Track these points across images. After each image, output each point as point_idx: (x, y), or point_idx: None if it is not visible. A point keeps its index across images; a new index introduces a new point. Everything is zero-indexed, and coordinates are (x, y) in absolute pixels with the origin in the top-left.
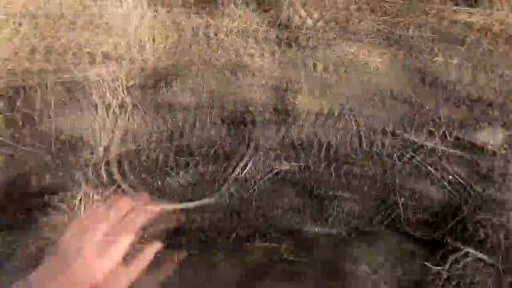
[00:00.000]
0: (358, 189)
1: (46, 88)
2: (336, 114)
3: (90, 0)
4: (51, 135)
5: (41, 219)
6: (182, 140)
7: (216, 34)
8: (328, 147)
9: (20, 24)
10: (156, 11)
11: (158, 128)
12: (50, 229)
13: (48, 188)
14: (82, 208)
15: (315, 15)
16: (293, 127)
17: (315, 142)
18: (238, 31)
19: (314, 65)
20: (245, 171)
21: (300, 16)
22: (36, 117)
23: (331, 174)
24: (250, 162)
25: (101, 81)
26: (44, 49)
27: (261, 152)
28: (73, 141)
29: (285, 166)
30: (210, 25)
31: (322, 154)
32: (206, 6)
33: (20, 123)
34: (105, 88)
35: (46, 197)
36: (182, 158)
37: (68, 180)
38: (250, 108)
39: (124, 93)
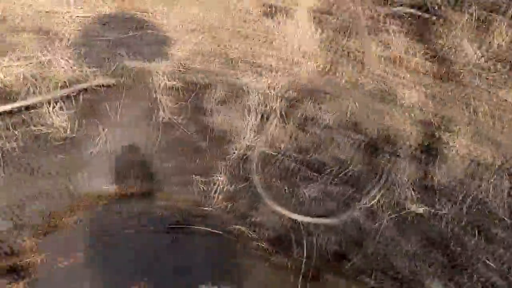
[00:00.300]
0: (502, 258)
1: (215, 88)
2: (495, 166)
3: (268, 18)
4: (209, 126)
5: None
6: (317, 155)
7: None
8: (475, 201)
9: (203, 33)
10: (316, 32)
11: (297, 140)
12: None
13: (200, 169)
14: (215, 193)
15: (482, 53)
16: (437, 169)
17: (460, 191)
18: (390, 59)
19: (476, 106)
20: (373, 201)
21: (465, 52)
22: (202, 109)
23: (473, 234)
24: (381, 195)
25: (259, 88)
26: (220, 55)
27: (394, 187)
28: (224, 135)
29: (419, 209)
30: (362, 50)
31: (465, 208)
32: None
33: (190, 111)
34: (261, 96)
35: (196, 177)
36: (314, 173)
37: (213, 166)
38: (393, 139)
39: (275, 103)
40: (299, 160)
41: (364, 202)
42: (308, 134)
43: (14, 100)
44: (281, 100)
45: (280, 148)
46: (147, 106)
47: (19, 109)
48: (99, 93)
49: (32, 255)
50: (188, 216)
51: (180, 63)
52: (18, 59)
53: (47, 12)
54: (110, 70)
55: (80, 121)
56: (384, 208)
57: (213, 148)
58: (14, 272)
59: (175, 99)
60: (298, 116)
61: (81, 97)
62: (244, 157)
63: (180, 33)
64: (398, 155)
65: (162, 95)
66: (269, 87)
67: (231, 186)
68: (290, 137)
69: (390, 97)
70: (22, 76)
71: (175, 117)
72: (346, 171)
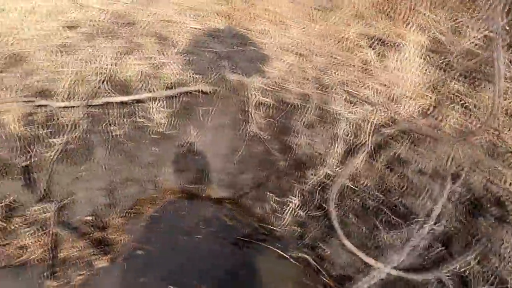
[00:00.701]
0: None
1: (305, 110)
2: None
3: (370, 50)
4: (292, 147)
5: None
6: (404, 200)
7: (475, 106)
8: None
9: (300, 55)
10: (423, 70)
11: (384, 179)
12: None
13: (275, 188)
14: (286, 215)
15: None
16: None
17: None
18: (507, 111)
19: None
20: (466, 268)
21: None
22: (289, 129)
23: None
24: (476, 262)
25: (351, 118)
26: (314, 80)
27: (495, 258)
28: (305, 159)
29: None
30: (470, 94)
31: None
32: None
33: (276, 129)
34: (352, 126)
35: (270, 194)
36: (397, 219)
37: (289, 188)
38: (503, 203)
39: (367, 136)
40: (383, 201)
41: (455, 265)
42: (397, 175)
43: (130, 94)
44: (374, 135)
45: (363, 184)
46: (237, 117)
47: (132, 102)
48: (197, 98)
49: (118, 234)
50: (256, 232)
51: (275, 82)
52: (140, 59)
53: (167, 21)
54: (211, 78)
55: (176, 120)
56: (479, 279)
57: (292, 169)
58: (104, 245)
59: (264, 115)
60: (390, 154)
61: (181, 99)
62: (323, 185)
63: (278, 53)
64: (507, 222)
65: (253, 109)
66: (363, 119)
67: (303, 211)
68: (377, 175)
69: (503, 155)
70: (140, 74)
71: (262, 132)
72: (437, 225)
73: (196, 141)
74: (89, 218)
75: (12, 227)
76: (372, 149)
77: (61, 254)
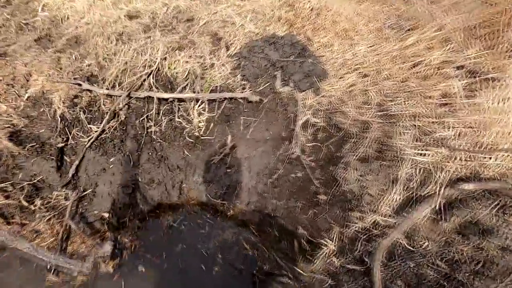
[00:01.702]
0: None
1: (360, 141)
2: None
3: (454, 81)
4: (338, 180)
5: None
6: (475, 279)
7: None
8: None
9: (364, 76)
10: None
11: (449, 247)
12: None
13: (309, 223)
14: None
15: None
16: None
17: None
18: None
19: None
20: None
21: None
22: (338, 159)
23: None
24: None
25: (420, 162)
26: (378, 105)
27: None
28: (351, 197)
29: None
30: None
31: None
32: None
33: (322, 156)
34: (419, 170)
35: (302, 230)
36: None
37: (326, 228)
38: None
39: (437, 187)
40: (446, 275)
41: None
42: (472, 246)
43: (173, 91)
44: (448, 188)
45: (421, 246)
46: (281, 135)
47: (173, 99)
48: (241, 106)
49: (131, 239)
50: (278, 270)
51: (330, 102)
52: (190, 57)
53: (225, 21)
54: (259, 87)
55: (214, 126)
56: None
57: (333, 207)
58: (114, 248)
59: (312, 137)
60: (466, 217)
61: (223, 104)
62: (369, 234)
63: (338, 70)
64: None
65: (300, 128)
66: (435, 165)
67: (339, 260)
68: (443, 239)
69: None
70: (187, 72)
71: (305, 157)
72: None
73: (232, 152)
74: (106, 214)
75: (33, 208)
76: (442, 205)
77: (70, 247)
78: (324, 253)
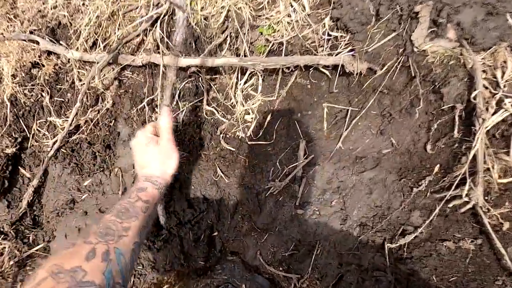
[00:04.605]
0: None
1: None
2: None
3: None
4: None
5: None
6: None
7: None
8: None
9: None
10: None
11: None
12: None
13: None
14: None
15: None
16: None
17: None
18: None
19: None
20: None
21: None
22: None
23: None
24: None
25: None
26: None
27: None
28: None
29: None
30: None
31: None
32: None
33: None
34: None
35: None
36: None
37: None
38: None
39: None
40: None
41: None
42: None
43: (199, 53)
44: None
45: None
46: (417, 147)
47: (199, 69)
48: (325, 81)
49: None
50: None
51: None
52: None
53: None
54: (371, 44)
55: (274, 121)
56: None
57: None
58: None
59: None
60: None
61: (292, 78)
62: None
63: None
64: None
65: (483, 140)
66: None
67: None
68: None
69: None
70: (224, 15)
71: (490, 207)
72: None
73: (307, 175)
74: None
75: None
76: None
77: None
78: None
